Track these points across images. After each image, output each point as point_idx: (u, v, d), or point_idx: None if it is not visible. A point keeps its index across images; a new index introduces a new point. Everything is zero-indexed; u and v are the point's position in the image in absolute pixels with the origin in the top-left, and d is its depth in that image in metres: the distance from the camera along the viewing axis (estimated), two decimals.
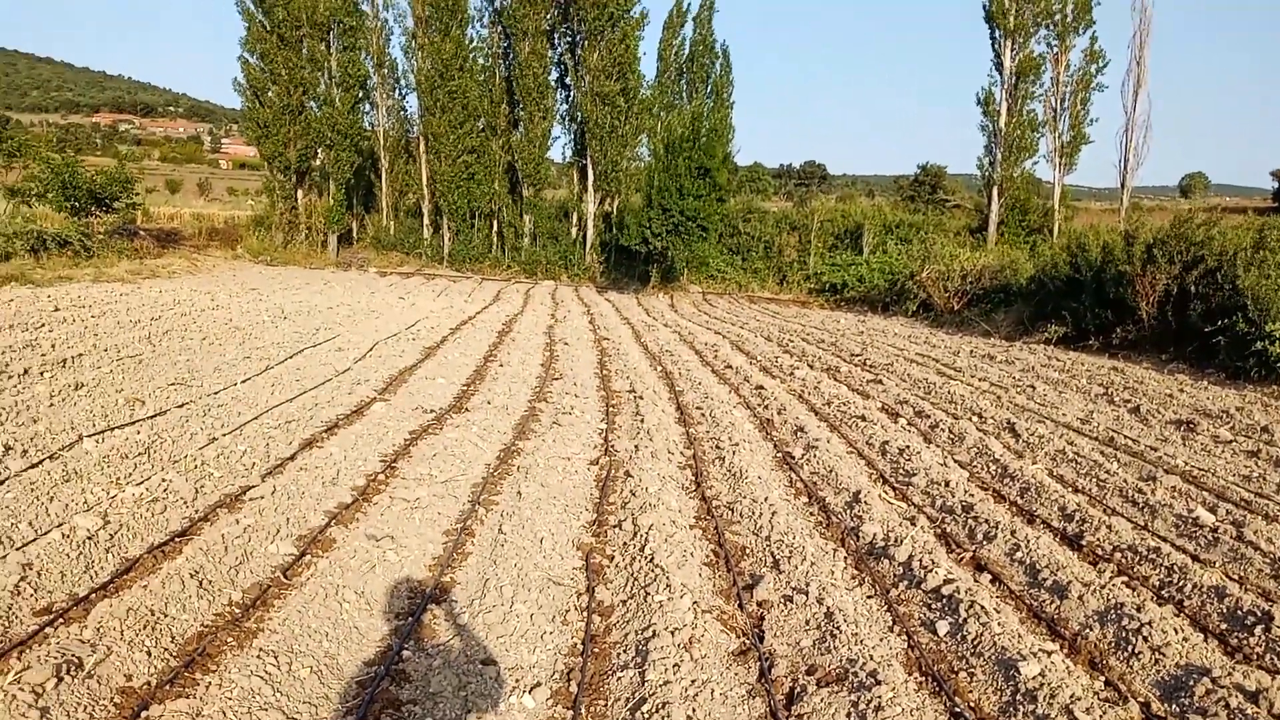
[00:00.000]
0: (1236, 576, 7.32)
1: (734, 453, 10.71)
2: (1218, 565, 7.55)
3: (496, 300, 30.54)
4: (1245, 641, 6.13)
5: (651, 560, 7.03)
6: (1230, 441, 12.00)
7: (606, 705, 5.20)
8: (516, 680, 5.47)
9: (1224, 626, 6.40)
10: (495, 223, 44.28)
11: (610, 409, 13.13)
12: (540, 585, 6.78)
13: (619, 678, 5.44)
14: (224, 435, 9.86)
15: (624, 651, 5.79)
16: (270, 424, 10.53)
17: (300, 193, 43.43)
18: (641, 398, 13.76)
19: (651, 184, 35.85)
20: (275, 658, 5.33)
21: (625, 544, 7.66)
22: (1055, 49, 36.75)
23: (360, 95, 42.31)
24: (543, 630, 6.12)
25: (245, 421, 10.56)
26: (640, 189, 39.30)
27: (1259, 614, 6.39)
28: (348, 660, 5.55)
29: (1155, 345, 20.55)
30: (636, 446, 10.78)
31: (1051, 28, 36.45)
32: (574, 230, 44.11)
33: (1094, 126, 38.32)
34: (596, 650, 5.88)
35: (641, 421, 12.07)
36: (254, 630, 5.71)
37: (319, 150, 42.31)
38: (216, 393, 11.98)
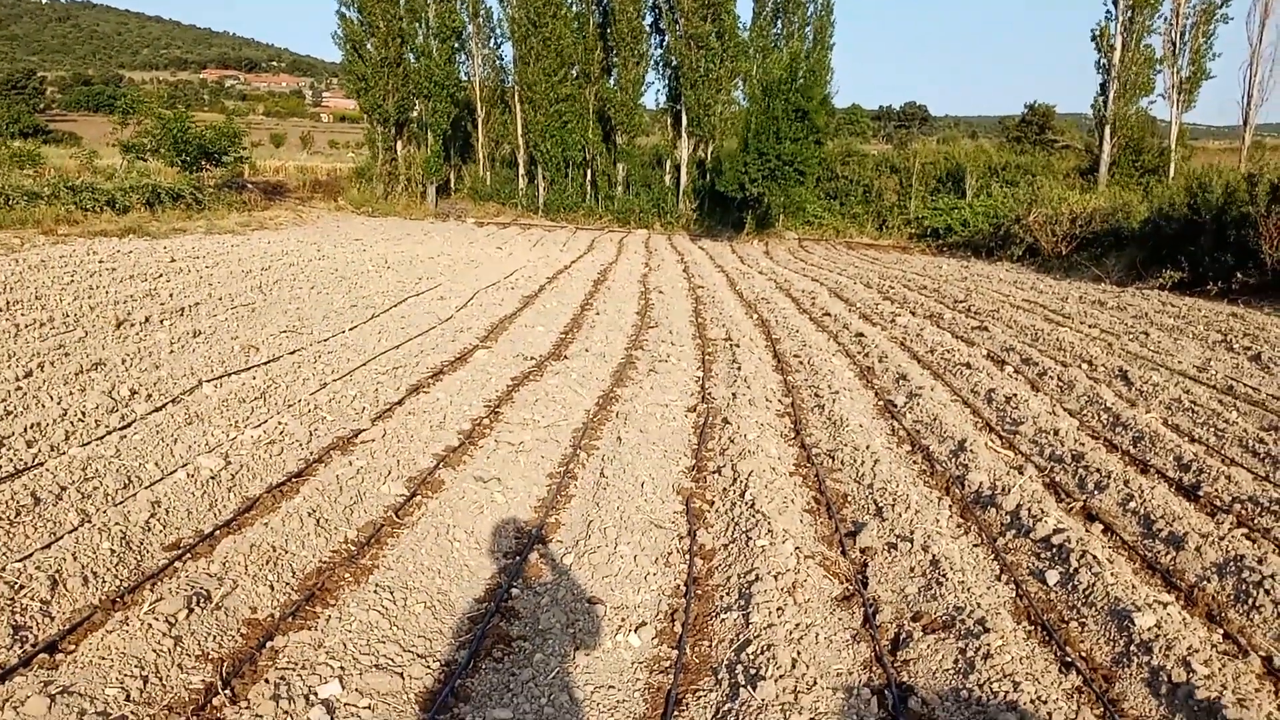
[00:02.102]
0: None
1: (833, 401, 10.61)
2: None
3: (591, 250, 30.68)
4: None
5: (752, 506, 7.05)
6: None
7: (711, 646, 5.27)
8: (622, 619, 5.58)
9: None
10: (589, 172, 44.31)
11: (706, 357, 13.13)
12: (642, 528, 6.87)
13: (722, 619, 5.50)
14: (334, 380, 10.20)
15: (727, 594, 5.85)
16: (378, 370, 10.85)
17: (399, 144, 44.14)
18: (738, 345, 13.71)
19: (748, 128, 35.35)
20: (390, 593, 5.55)
21: (725, 489, 7.70)
22: None
23: (456, 46, 42.62)
24: (646, 571, 6.22)
25: (354, 368, 10.90)
26: (735, 134, 38.78)
27: None
28: (459, 597, 5.74)
29: (1278, 291, 19.51)
30: (734, 394, 10.76)
31: None
32: (667, 178, 43.86)
33: (1215, 61, 36.16)
34: (699, 592, 5.95)
35: (738, 369, 12.04)
36: (369, 567, 5.94)
37: (417, 102, 42.85)
38: (326, 340, 12.38)
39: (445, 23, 41.50)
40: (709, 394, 10.98)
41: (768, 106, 34.31)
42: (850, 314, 17.52)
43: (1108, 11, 35.65)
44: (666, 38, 41.91)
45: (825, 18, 45.56)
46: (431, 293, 17.31)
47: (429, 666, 4.94)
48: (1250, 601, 5.77)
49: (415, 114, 43.67)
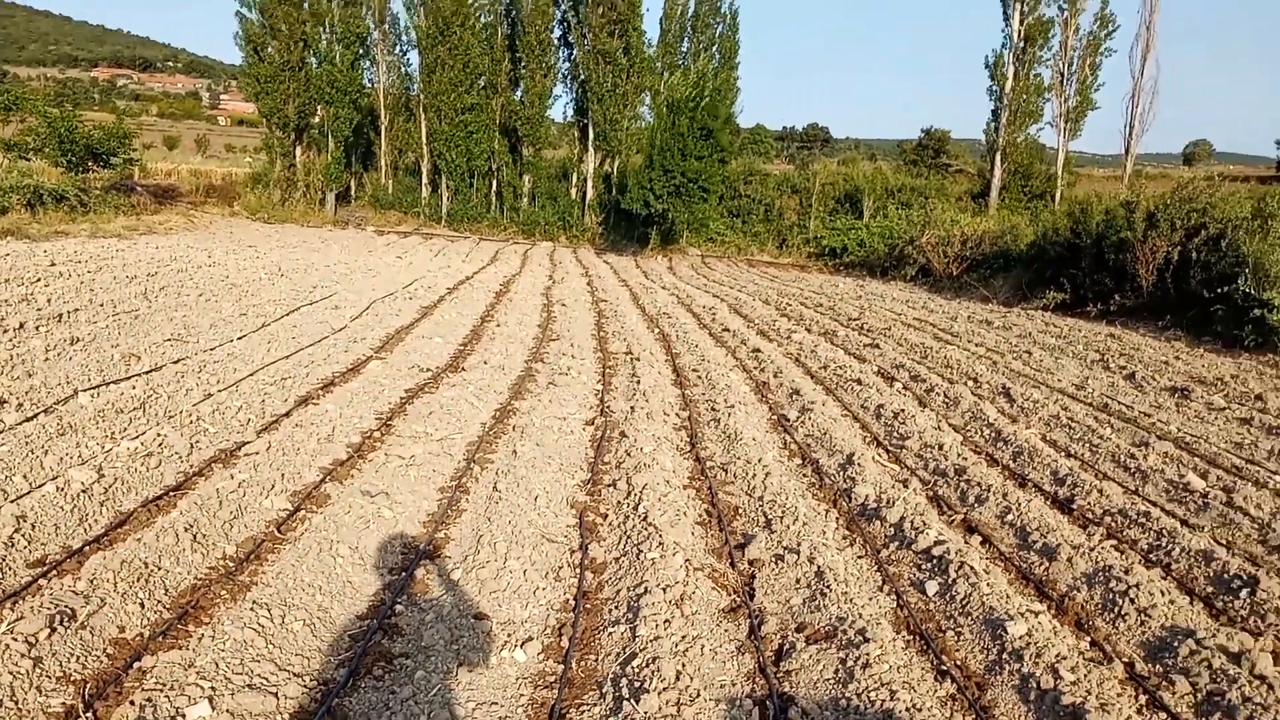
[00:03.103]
0: (1224, 541, 7.38)
1: (729, 415, 10.74)
2: (1206, 530, 7.61)
3: (494, 261, 30.46)
4: (1230, 604, 6.20)
5: (645, 518, 7.07)
6: (1224, 409, 12.03)
7: (597, 659, 5.25)
8: (509, 635, 5.52)
9: (1210, 590, 6.46)
10: (494, 182, 44.03)
11: (607, 370, 13.14)
12: (534, 542, 6.82)
13: (610, 633, 5.50)
14: (220, 391, 9.87)
15: (616, 607, 5.84)
16: (266, 381, 10.54)
17: (299, 150, 43.14)
18: (638, 359, 13.77)
19: (653, 144, 35.62)
20: (268, 610, 5.38)
21: (619, 503, 7.71)
22: (1065, 12, 36.33)
23: (361, 51, 41.91)
24: (536, 586, 6.17)
25: (241, 378, 10.57)
26: (641, 149, 39.07)
27: (1245, 578, 6.45)
28: (340, 614, 5.60)
29: (1153, 312, 20.54)
30: (632, 407, 10.80)
31: None
32: (573, 191, 43.90)
33: (1100, 92, 38.00)
34: (589, 606, 5.93)
35: (638, 383, 12.09)
36: (247, 584, 5.75)
37: (318, 107, 41.97)
38: (212, 349, 11.98)
39: (349, 28, 40.80)
40: (608, 407, 10.99)
41: (674, 123, 34.64)
42: (749, 330, 17.78)
43: (1002, 41, 37.16)
44: (575, 51, 42.01)
45: (731, 38, 46.31)
46: (326, 302, 16.93)
47: (305, 685, 4.80)
48: (1116, 610, 6.03)
49: (316, 119, 42.77)
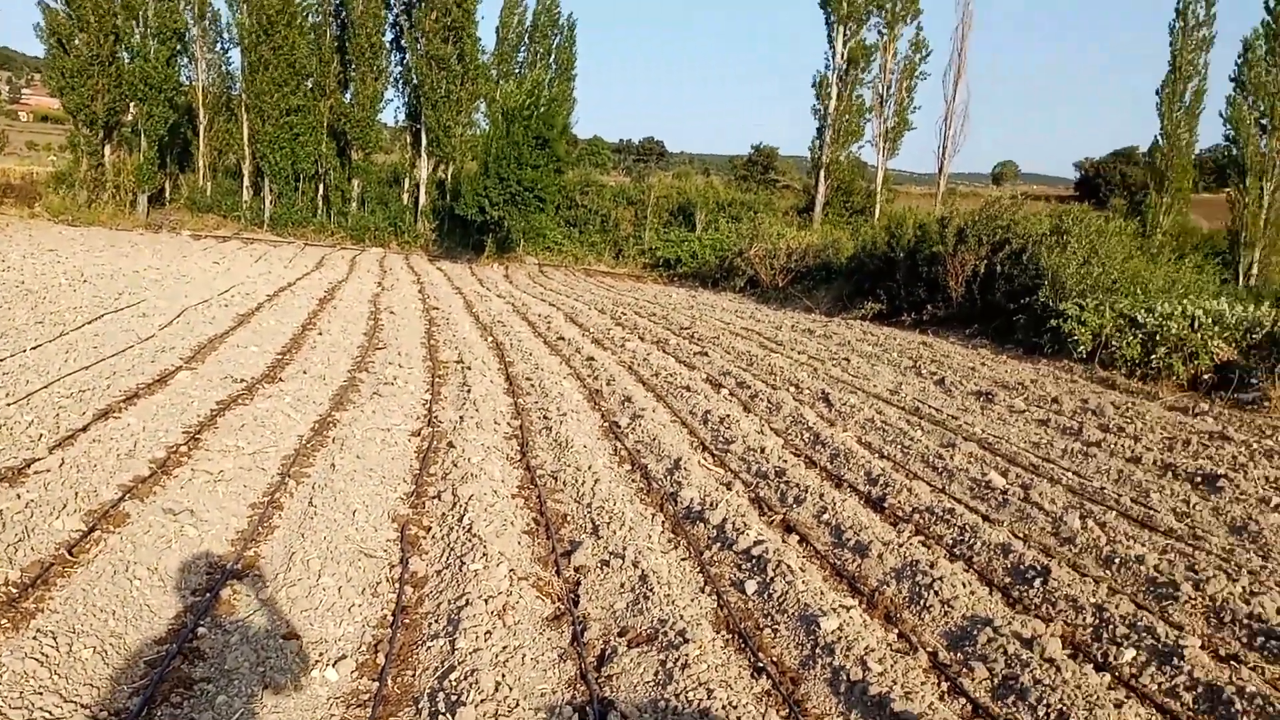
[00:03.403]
0: (1021, 535, 7.89)
1: (561, 423, 10.72)
2: (1005, 524, 8.12)
3: (319, 267, 29.40)
4: (1025, 593, 6.63)
5: (469, 530, 6.95)
6: (1024, 411, 12.90)
7: (414, 675, 5.12)
8: (320, 654, 5.31)
9: (1008, 580, 6.89)
10: (321, 186, 42.51)
11: (436, 379, 12.89)
12: (351, 558, 6.59)
13: (429, 647, 5.36)
14: (8, 405, 9.10)
15: (436, 621, 5.71)
16: (61, 393, 9.79)
17: (108, 149, 40.39)
18: (469, 368, 13.57)
19: (489, 152, 35.29)
20: (54, 639, 4.97)
21: (444, 515, 7.55)
22: (885, 37, 38.30)
23: (178, 47, 39.66)
24: (351, 603, 5.96)
25: (34, 390, 9.78)
26: (477, 157, 38.62)
27: (1038, 568, 6.91)
28: (136, 639, 5.23)
29: (962, 322, 21.86)
30: (461, 417, 10.62)
31: (882, 15, 37.93)
32: (405, 197, 42.91)
33: (916, 114, 40.25)
34: (407, 621, 5.78)
35: (468, 392, 11.91)
36: (32, 611, 5.30)
37: (130, 104, 39.45)
38: (1, 360, 11.05)
39: (165, 22, 38.54)
40: (436, 417, 10.77)
41: (509, 132, 34.44)
42: (583, 338, 17.83)
43: (825, 63, 38.78)
44: (407, 56, 41.13)
45: (569, 50, 46.45)
46: (133, 309, 15.90)
47: (93, 717, 4.46)
48: (922, 602, 6.34)
49: (129, 117, 40.18)
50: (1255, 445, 11.24)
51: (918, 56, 38.22)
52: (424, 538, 7.17)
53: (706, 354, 16.54)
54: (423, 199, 41.93)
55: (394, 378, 12.56)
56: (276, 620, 5.58)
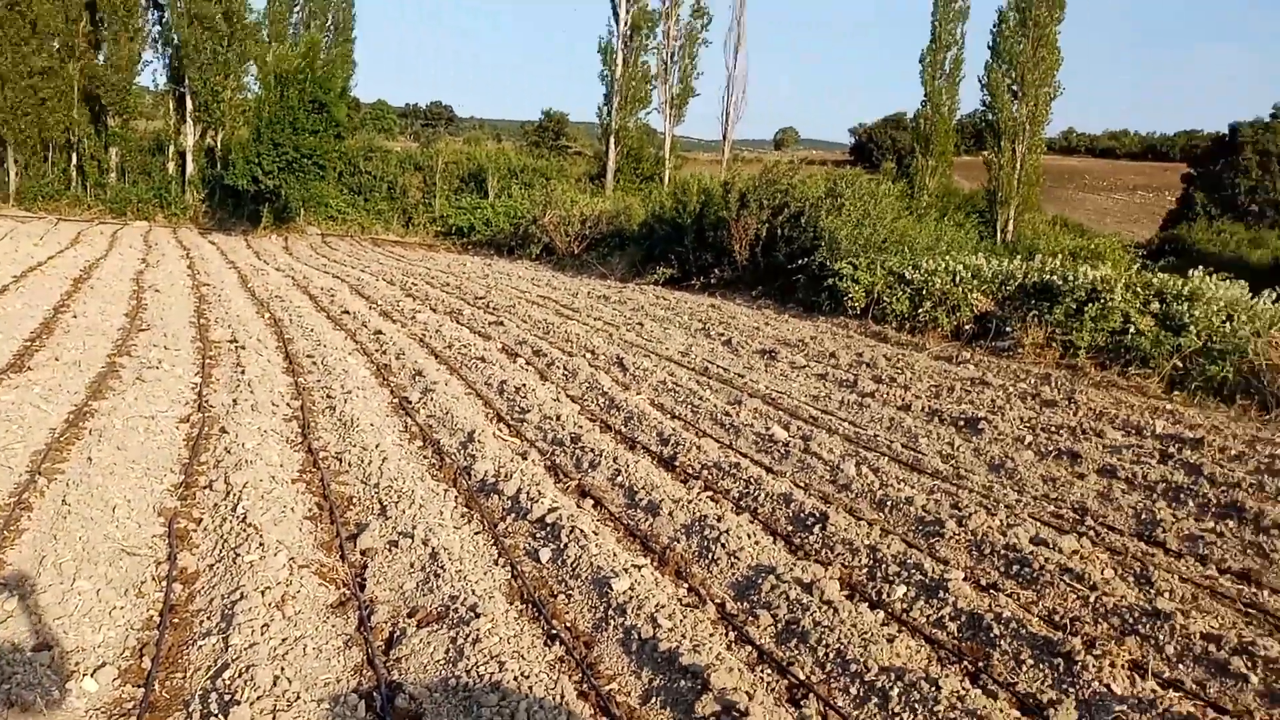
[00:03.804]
0: (802, 484, 8.25)
1: (346, 401, 10.29)
2: (787, 475, 8.47)
3: (75, 243, 26.89)
4: (806, 540, 6.92)
5: (244, 519, 6.55)
6: (804, 367, 13.48)
7: (185, 677, 4.77)
8: (77, 664, 4.85)
9: (790, 528, 7.18)
10: (75, 156, 38.87)
11: (208, 361, 12.07)
12: (111, 558, 6.05)
13: (200, 646, 5.01)
14: None
15: (208, 619, 5.34)
16: None
17: None
18: (244, 348, 12.79)
19: (261, 117, 33.36)
20: None
21: (216, 505, 7.07)
22: (667, 3, 38.80)
23: None
24: (112, 606, 5.48)
25: None
26: (249, 122, 36.38)
27: (818, 515, 7.24)
28: None
29: (748, 284, 22.61)
30: (235, 400, 9.99)
31: None
32: (171, 166, 39.91)
33: (700, 81, 41.19)
34: (176, 621, 5.37)
35: (243, 373, 11.22)
36: None
37: None
38: None
39: None
40: (207, 402, 10.08)
41: (283, 96, 32.63)
42: (371, 311, 17.21)
43: (609, 28, 38.89)
44: (167, 14, 38.08)
45: (347, 9, 44.46)
46: None
47: None
48: (711, 556, 6.51)
49: None
50: (1011, 389, 12.22)
51: (699, 24, 39.03)
52: (195, 531, 6.70)
53: (502, 323, 16.33)
54: (190, 168, 39.15)
55: (159, 361, 11.66)
56: (24, 632, 5.05)
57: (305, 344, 13.70)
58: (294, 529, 6.63)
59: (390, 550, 6.35)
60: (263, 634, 4.98)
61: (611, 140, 39.84)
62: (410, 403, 10.62)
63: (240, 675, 4.54)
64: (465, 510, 7.32)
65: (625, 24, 38.30)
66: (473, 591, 5.55)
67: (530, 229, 32.01)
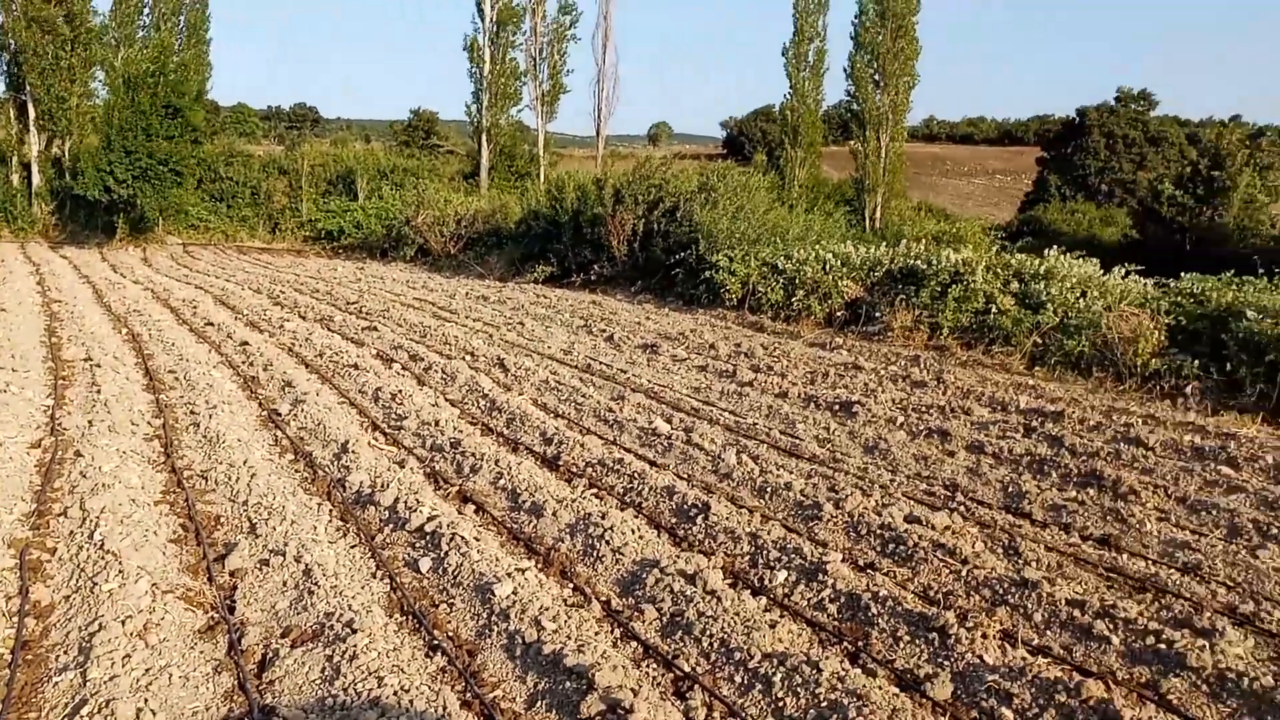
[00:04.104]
0: (685, 476, 8.30)
1: (212, 416, 9.86)
2: (671, 468, 8.52)
3: None
4: (689, 531, 6.97)
5: (102, 547, 6.19)
6: (685, 359, 13.60)
7: (40, 716, 4.48)
8: None
9: (674, 521, 7.21)
10: None
11: (60, 381, 11.39)
12: None
13: (56, 683, 4.71)
14: None
15: (65, 653, 5.03)
16: None
17: None
18: (99, 366, 12.12)
19: (111, 124, 31.70)
20: None
21: (72, 533, 6.67)
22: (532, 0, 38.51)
23: None
24: None
25: None
26: (98, 130, 34.55)
27: (700, 506, 7.29)
28: None
29: (627, 279, 22.70)
30: (91, 421, 9.45)
31: None
32: (15, 178, 37.53)
33: (571, 77, 41.10)
34: (30, 657, 5.04)
35: (99, 393, 10.64)
36: None
37: None
38: None
39: None
40: (60, 424, 9.50)
41: (134, 101, 31.09)
42: (236, 322, 16.57)
43: (475, 24, 38.38)
44: (3, 17, 35.78)
45: (200, 11, 42.63)
46: None
47: None
48: (595, 553, 6.48)
49: None
50: (883, 372, 12.58)
51: (567, 19, 38.93)
52: (49, 561, 6.30)
53: (376, 329, 15.94)
54: (37, 179, 36.94)
55: (6, 384, 10.93)
56: None
57: (166, 359, 13.08)
58: (157, 553, 6.31)
59: (261, 569, 6.11)
60: (124, 665, 4.72)
61: (484, 138, 39.37)
62: (280, 415, 10.25)
63: (100, 710, 4.30)
64: (340, 524, 7.10)
65: (491, 20, 37.87)
66: (349, 607, 5.39)
67: (403, 230, 31.38)
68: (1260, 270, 14.14)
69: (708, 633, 5.24)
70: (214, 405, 10.31)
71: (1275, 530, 6.94)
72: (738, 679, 4.86)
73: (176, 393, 11.21)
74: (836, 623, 5.56)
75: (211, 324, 16.21)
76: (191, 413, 10.25)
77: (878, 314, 15.78)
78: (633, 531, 6.76)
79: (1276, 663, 5.08)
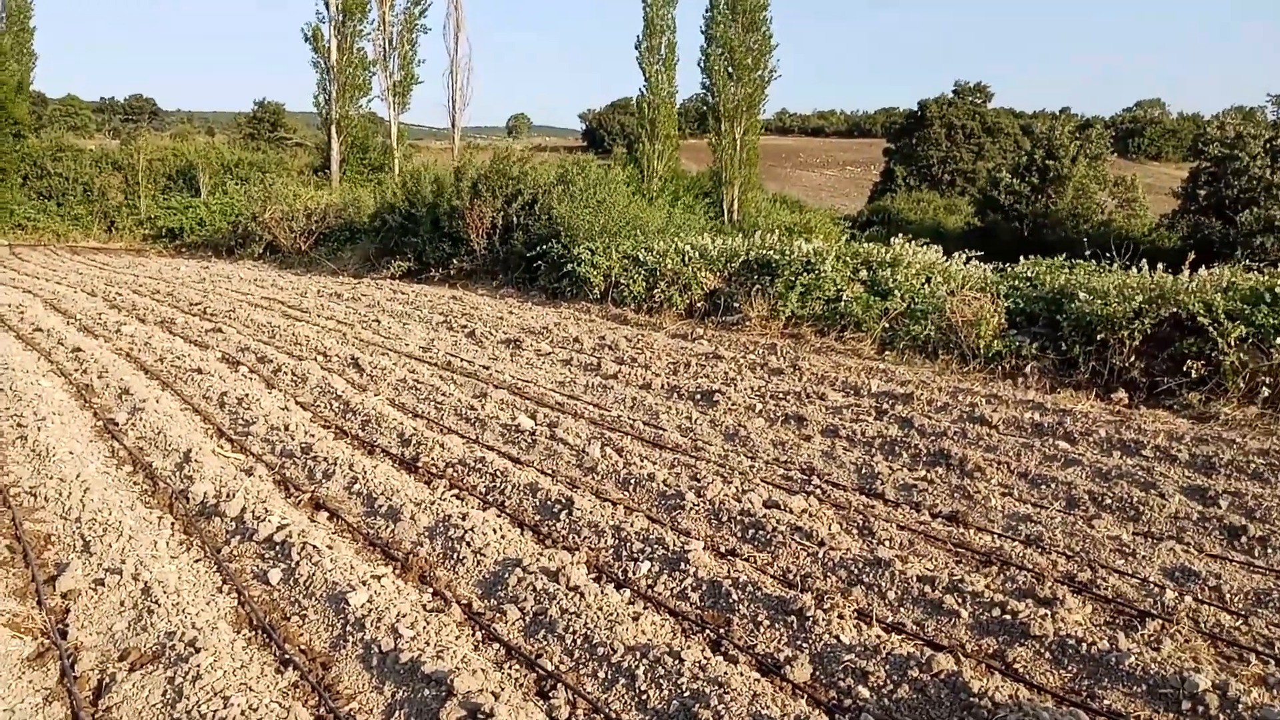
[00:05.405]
0: (549, 471, 8.24)
1: (40, 429, 9.21)
2: (534, 464, 8.44)
3: None
4: (553, 528, 6.92)
5: None
6: (549, 354, 13.51)
7: None
8: None
9: (537, 518, 7.15)
10: None
11: None
12: None
13: None
14: None
15: None
16: None
17: None
18: None
19: None
20: None
21: None
22: None
23: None
24: None
25: None
26: None
27: (564, 501, 7.25)
28: None
29: (488, 273, 22.41)
30: None
31: None
32: None
33: (423, 67, 40.21)
34: None
35: None
36: None
37: None
38: None
39: None
40: None
41: None
42: (68, 327, 15.54)
43: (318, 13, 37.11)
44: None
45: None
46: None
47: None
48: (456, 556, 6.35)
49: None
50: (742, 360, 12.81)
51: (417, 9, 38.11)
52: None
53: (221, 330, 15.23)
54: None
55: None
56: None
57: None
58: None
59: (96, 590, 5.73)
60: None
61: (333, 130, 38.15)
62: (117, 424, 9.67)
63: None
64: (183, 537, 6.74)
65: (336, 8, 36.66)
66: (193, 625, 5.12)
67: (250, 227, 30.14)
68: (1089, 254, 15.03)
69: (571, 630, 5.21)
70: (43, 416, 9.63)
71: (1109, 501, 7.39)
72: (601, 675, 4.85)
73: (1, 404, 10.43)
74: (699, 611, 5.61)
75: (40, 330, 15.15)
76: (18, 425, 9.53)
77: (736, 304, 16.05)
78: (495, 531, 6.66)
79: (1111, 627, 5.41)
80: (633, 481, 7.83)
